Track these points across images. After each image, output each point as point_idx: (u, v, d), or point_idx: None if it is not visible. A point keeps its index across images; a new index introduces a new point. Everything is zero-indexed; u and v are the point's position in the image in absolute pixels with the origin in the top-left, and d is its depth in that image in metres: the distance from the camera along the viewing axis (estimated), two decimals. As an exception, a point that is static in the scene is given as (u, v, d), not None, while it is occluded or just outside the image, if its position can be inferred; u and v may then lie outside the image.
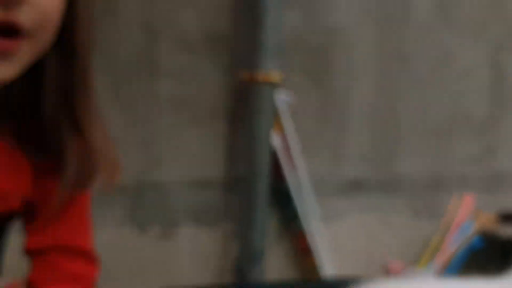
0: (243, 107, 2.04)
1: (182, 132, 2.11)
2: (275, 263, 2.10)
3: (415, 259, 2.23)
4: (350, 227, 2.27)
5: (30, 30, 0.63)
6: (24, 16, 0.62)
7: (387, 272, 2.15)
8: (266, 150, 2.07)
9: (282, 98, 2.10)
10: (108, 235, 1.91)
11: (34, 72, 0.70)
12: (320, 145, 2.27)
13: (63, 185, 0.73)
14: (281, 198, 2.21)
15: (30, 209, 0.79)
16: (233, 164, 2.23)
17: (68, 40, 0.70)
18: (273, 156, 2.10)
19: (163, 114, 2.09)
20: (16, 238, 0.93)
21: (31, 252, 0.79)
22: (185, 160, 2.17)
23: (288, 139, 2.15)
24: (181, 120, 2.07)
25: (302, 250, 2.13)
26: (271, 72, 2.00)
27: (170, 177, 2.24)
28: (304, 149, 2.17)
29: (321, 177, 2.23)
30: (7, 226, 0.82)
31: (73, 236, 0.79)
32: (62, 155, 0.72)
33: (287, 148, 2.17)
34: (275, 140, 2.13)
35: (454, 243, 2.09)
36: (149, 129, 2.07)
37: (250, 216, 2.03)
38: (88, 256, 0.80)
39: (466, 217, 2.13)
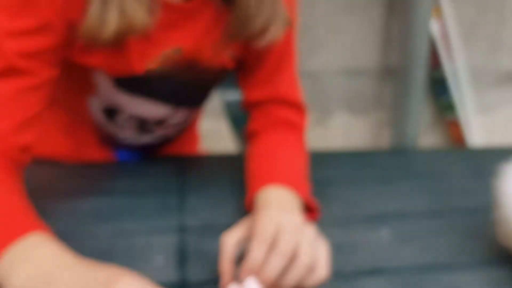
0: (401, -7, 1.98)
1: (337, 20, 2.12)
2: (426, 152, 2.11)
3: None
4: (507, 119, 2.21)
5: None
6: None
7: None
8: (424, 38, 2.03)
9: (443, -17, 2.01)
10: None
11: None
12: (480, 34, 2.18)
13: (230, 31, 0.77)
14: (437, 87, 2.19)
15: (241, 66, 0.87)
16: (388, 52, 2.22)
17: None
18: (431, 44, 2.06)
19: (319, 1, 2.10)
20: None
21: (249, 105, 0.89)
22: (340, 48, 2.19)
23: (447, 26, 2.09)
24: (337, 7, 2.07)
25: (455, 140, 2.12)
26: (433, -45, 1.92)
27: (325, 65, 2.29)
28: (463, 37, 2.09)
29: (479, 67, 2.16)
30: (216, 84, 0.92)
31: (285, 89, 0.88)
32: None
33: (445, 36, 2.11)
34: (433, 28, 2.08)
35: None
36: (305, 17, 2.10)
37: (404, 105, 2.04)
38: (299, 107, 0.88)
39: None
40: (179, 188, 0.84)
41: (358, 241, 0.72)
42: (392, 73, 2.20)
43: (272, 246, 0.59)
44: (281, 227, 0.61)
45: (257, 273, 0.57)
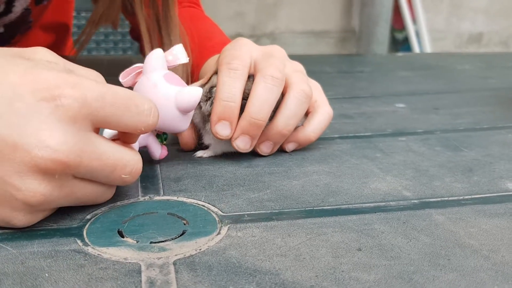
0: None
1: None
2: None
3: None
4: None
5: None
6: None
7: None
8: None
9: None
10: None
11: None
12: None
13: None
14: (399, 47, 2.15)
15: None
16: (350, 14, 2.18)
17: None
18: (395, 5, 2.03)
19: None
20: None
21: None
22: (303, 9, 2.12)
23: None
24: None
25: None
26: None
27: (287, 26, 2.22)
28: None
29: (440, 29, 2.14)
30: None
31: None
32: None
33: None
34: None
35: None
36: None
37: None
38: None
39: None
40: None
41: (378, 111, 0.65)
42: (354, 35, 2.16)
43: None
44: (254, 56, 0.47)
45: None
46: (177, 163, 0.45)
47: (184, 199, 0.38)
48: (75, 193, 0.33)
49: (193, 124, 0.46)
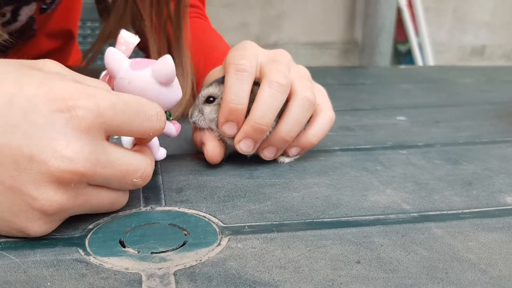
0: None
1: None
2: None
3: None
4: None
5: None
6: None
7: None
8: (392, 10, 2.00)
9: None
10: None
11: None
12: (445, 9, 2.18)
13: None
14: (402, 59, 2.14)
15: None
16: (353, 25, 2.19)
17: None
18: (398, 17, 2.03)
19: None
20: None
21: None
22: (306, 21, 2.13)
23: (414, 1, 2.07)
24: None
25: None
26: None
27: (291, 37, 2.23)
28: (428, 11, 2.07)
29: (443, 41, 2.15)
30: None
31: None
32: None
33: (412, 9, 2.09)
34: (401, 1, 2.05)
35: None
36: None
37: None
38: None
39: None
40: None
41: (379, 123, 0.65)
42: (357, 46, 2.18)
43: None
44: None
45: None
46: (179, 174, 0.45)
47: (186, 210, 0.38)
48: (90, 201, 0.33)
49: (218, 137, 0.46)
